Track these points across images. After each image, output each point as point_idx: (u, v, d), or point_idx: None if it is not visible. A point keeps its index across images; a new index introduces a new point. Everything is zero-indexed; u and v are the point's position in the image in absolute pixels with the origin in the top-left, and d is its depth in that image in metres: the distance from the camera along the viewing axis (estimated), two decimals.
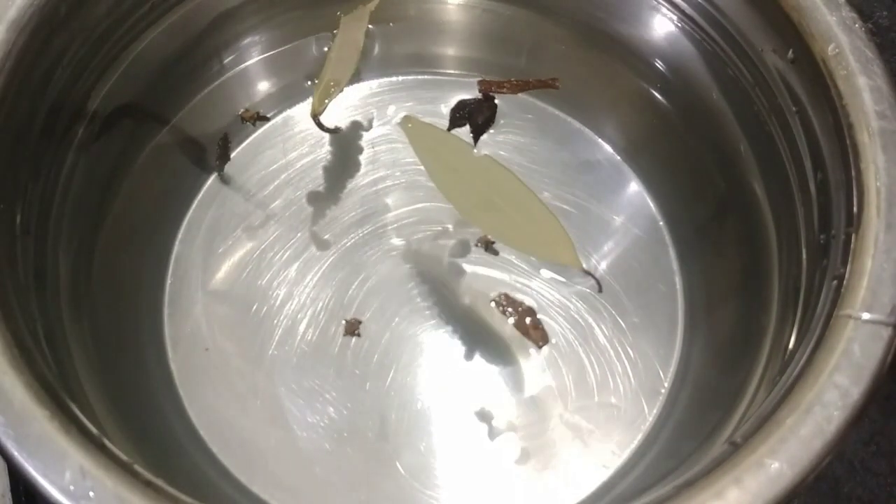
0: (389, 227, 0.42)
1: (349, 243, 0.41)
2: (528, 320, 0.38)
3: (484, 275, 0.40)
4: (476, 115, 0.39)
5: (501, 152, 0.44)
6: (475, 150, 0.39)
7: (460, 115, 0.40)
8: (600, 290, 0.39)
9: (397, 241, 0.41)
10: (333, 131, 0.43)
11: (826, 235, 0.33)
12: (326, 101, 0.40)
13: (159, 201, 0.41)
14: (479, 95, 0.40)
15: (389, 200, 0.42)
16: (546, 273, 0.40)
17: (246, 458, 0.36)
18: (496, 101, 0.40)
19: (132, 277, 0.40)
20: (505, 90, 0.39)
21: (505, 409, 0.37)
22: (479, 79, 0.40)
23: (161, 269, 0.40)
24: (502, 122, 0.44)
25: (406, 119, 0.38)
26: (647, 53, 0.44)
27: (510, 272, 0.40)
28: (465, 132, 0.40)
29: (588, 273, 0.39)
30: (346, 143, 0.44)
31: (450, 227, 0.42)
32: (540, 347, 0.38)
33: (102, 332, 0.38)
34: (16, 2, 0.34)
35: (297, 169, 0.43)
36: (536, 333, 0.38)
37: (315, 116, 0.39)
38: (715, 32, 0.41)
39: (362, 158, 0.44)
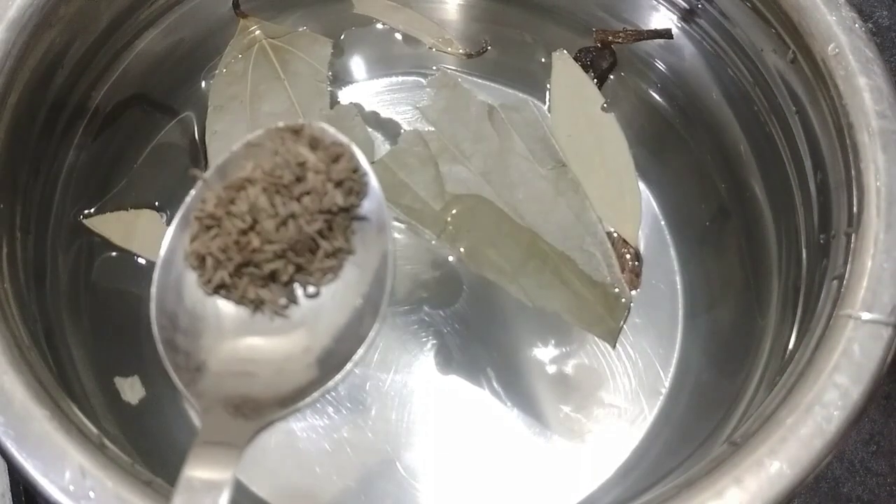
0: (395, 233, 0.41)
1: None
2: (630, 263, 0.39)
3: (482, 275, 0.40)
4: (599, 62, 0.42)
5: None
6: (604, 104, 0.42)
7: (582, 62, 0.42)
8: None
9: (397, 235, 0.41)
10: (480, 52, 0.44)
11: (826, 235, 0.33)
12: None
13: (160, 200, 0.41)
14: (598, 44, 0.42)
15: None
16: None
17: (246, 458, 0.36)
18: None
19: (132, 277, 0.40)
20: (620, 40, 0.42)
21: (505, 410, 0.37)
22: (596, 28, 0.43)
23: None
24: None
25: (561, 54, 0.42)
26: (647, 53, 0.44)
27: None
28: None
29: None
30: None
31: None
32: (630, 291, 0.39)
33: (102, 332, 0.38)
34: (16, 1, 0.34)
35: None
36: (628, 276, 0.39)
37: None
38: (715, 32, 0.41)
39: None
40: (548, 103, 0.43)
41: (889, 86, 0.32)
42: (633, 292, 0.39)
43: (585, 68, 0.43)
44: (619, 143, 0.42)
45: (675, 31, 0.43)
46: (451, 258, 0.40)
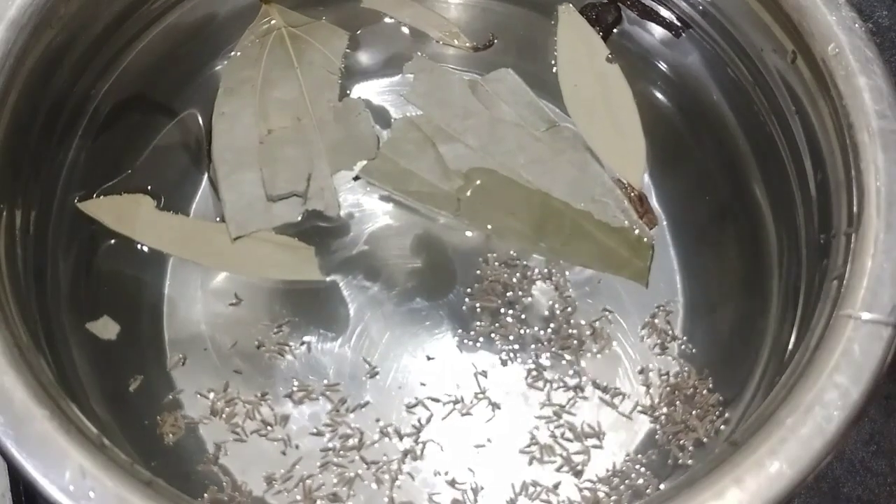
0: (387, 219, 0.42)
1: (350, 236, 0.41)
2: (641, 204, 0.40)
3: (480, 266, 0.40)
4: (604, 16, 0.44)
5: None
6: (610, 55, 0.43)
7: (588, 16, 0.44)
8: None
9: (394, 223, 0.41)
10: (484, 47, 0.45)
11: (826, 235, 0.33)
12: None
13: (160, 199, 0.41)
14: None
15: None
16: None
17: (246, 457, 0.36)
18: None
19: (132, 276, 0.40)
20: (628, 3, 0.43)
21: (505, 410, 0.37)
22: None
23: (161, 268, 0.40)
24: None
25: (567, 7, 0.44)
26: (647, 52, 0.44)
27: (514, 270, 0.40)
28: None
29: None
30: None
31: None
32: (650, 229, 0.40)
33: None
34: (16, 1, 0.34)
35: None
36: (647, 217, 0.40)
37: None
38: (715, 32, 0.41)
39: None
40: (555, 55, 0.44)
41: (889, 86, 0.32)
42: (652, 231, 0.40)
43: (591, 23, 0.44)
44: (624, 91, 0.43)
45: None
46: (470, 233, 0.41)
